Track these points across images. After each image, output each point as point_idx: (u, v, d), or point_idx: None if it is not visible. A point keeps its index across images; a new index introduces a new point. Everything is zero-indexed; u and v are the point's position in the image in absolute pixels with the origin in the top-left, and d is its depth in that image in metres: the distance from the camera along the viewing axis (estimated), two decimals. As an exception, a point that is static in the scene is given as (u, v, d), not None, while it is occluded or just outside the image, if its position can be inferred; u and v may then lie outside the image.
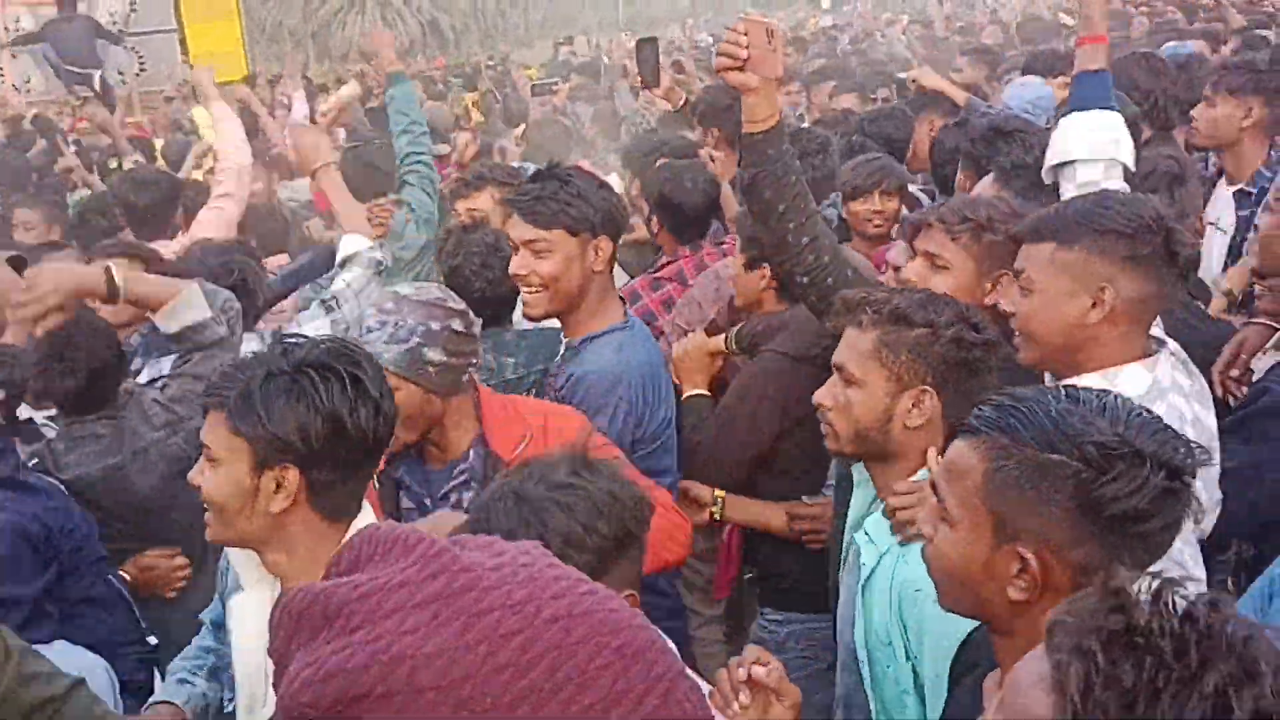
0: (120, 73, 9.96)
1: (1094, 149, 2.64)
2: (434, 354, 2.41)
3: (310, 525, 1.86)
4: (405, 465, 2.54)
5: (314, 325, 3.85)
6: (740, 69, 2.50)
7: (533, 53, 22.51)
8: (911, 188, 4.34)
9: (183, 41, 10.68)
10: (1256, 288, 3.05)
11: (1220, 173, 4.08)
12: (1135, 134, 3.91)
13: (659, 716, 0.84)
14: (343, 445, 1.82)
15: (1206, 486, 2.06)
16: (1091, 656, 0.92)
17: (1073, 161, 2.67)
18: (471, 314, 2.54)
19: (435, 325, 2.42)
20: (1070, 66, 3.16)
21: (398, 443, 2.48)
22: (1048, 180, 2.78)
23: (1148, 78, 4.31)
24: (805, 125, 5.53)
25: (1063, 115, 2.78)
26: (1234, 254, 3.76)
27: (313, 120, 7.73)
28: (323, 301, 3.90)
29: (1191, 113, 4.18)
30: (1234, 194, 3.88)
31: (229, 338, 2.89)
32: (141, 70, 10.26)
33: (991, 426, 1.47)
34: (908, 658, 1.96)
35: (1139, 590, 0.95)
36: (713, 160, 4.48)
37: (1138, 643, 0.91)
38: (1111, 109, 2.70)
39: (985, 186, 3.07)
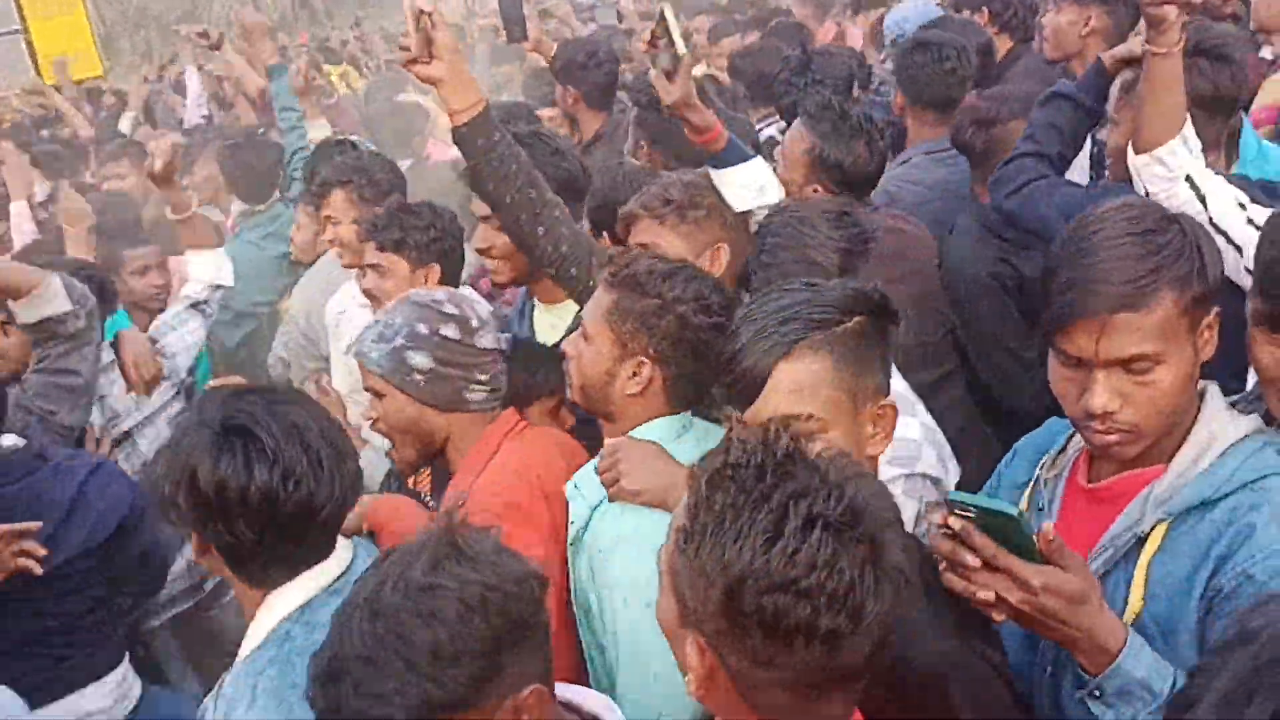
0: None
1: (749, 200, 2.69)
2: (419, 359, 2.24)
3: (246, 593, 1.81)
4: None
5: (188, 328, 3.78)
6: (421, 61, 2.38)
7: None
8: (771, 130, 4.34)
9: (29, 44, 10.20)
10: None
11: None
12: (990, 52, 3.96)
13: None
14: (227, 515, 1.70)
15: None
16: (698, 489, 1.20)
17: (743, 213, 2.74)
18: (478, 321, 2.31)
19: (423, 328, 2.25)
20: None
21: (401, 462, 2.35)
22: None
23: (1009, -13, 4.35)
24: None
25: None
26: (1096, 165, 3.82)
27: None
28: (195, 305, 3.81)
29: (1042, 20, 4.23)
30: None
31: (86, 330, 2.90)
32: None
33: (801, 334, 1.66)
34: (601, 614, 1.98)
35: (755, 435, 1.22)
36: (569, 121, 4.42)
37: (728, 474, 1.19)
38: (748, 159, 2.72)
39: (795, 129, 3.07)
